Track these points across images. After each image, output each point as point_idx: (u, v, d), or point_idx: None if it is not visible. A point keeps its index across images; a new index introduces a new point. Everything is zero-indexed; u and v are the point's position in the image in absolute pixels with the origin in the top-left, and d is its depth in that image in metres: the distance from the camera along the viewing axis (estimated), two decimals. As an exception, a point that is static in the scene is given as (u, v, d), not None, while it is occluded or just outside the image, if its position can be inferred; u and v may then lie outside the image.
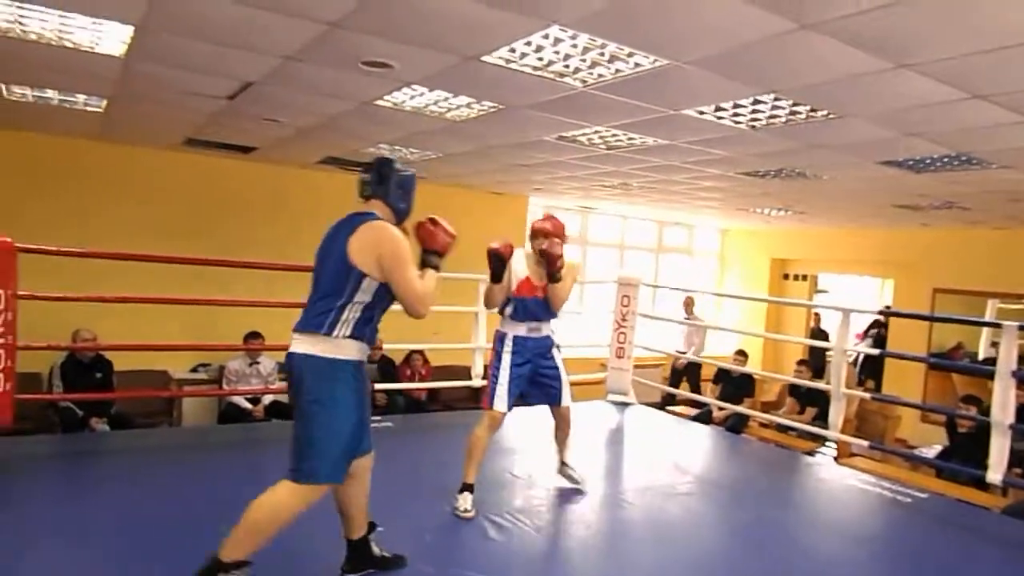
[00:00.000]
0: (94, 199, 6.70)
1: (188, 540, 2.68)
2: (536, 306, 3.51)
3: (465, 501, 3.31)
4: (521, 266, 3.50)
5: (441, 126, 4.89)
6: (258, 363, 6.52)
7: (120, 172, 6.83)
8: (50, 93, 4.76)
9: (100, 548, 2.75)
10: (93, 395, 5.45)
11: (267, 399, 6.54)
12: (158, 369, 6.68)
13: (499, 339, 3.56)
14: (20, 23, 3.29)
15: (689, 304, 9.33)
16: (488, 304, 3.63)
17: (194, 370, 6.99)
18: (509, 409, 3.45)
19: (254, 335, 6.23)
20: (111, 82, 4.30)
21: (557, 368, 3.60)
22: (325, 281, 2.38)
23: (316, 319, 2.34)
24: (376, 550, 2.66)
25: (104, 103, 4.94)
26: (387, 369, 7.14)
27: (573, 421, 3.73)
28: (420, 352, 7.45)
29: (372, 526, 2.66)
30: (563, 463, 3.82)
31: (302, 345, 2.35)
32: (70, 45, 3.59)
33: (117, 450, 4.28)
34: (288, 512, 2.27)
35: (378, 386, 6.47)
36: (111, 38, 3.43)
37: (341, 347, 2.33)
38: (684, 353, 8.81)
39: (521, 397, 3.58)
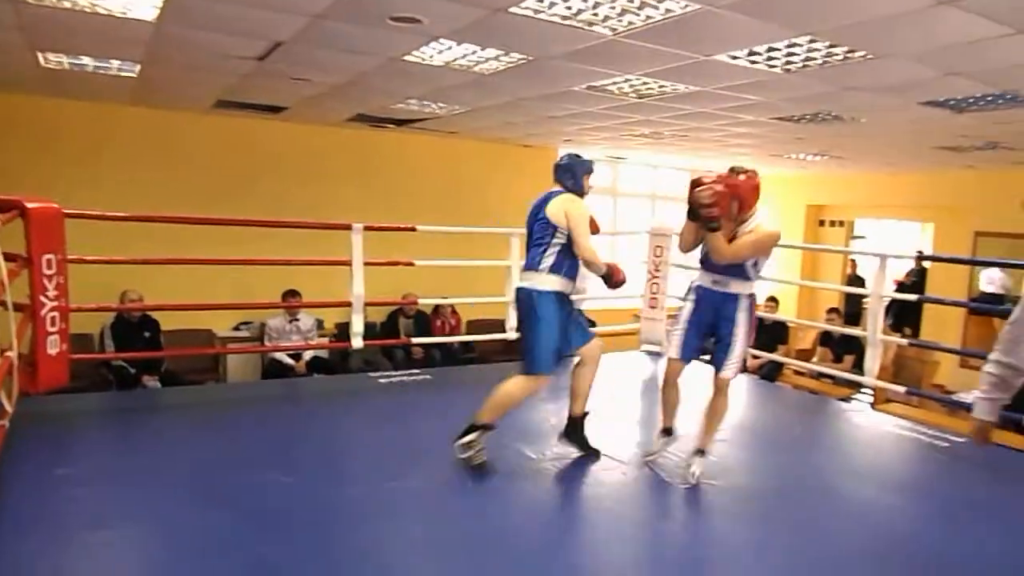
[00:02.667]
0: (130, 163, 6.83)
1: (243, 479, 2.89)
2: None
3: (654, 443, 3.56)
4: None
5: (470, 80, 4.87)
6: (297, 320, 6.69)
7: (155, 136, 6.94)
8: (85, 60, 4.84)
9: (160, 490, 2.90)
10: (143, 354, 5.65)
11: (308, 355, 6.72)
12: (202, 328, 6.87)
13: (689, 288, 3.48)
14: (55, -9, 3.34)
15: None
16: (680, 246, 3.49)
17: (236, 328, 7.18)
18: (687, 359, 3.38)
19: (292, 293, 6.37)
20: (144, 47, 4.35)
21: (732, 334, 3.29)
22: (535, 234, 3.31)
23: (531, 260, 3.30)
24: (586, 431, 3.52)
25: (137, 68, 5.00)
26: (422, 322, 7.25)
27: (720, 406, 3.38)
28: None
29: (586, 414, 3.50)
30: (697, 449, 3.41)
31: (523, 280, 3.30)
32: (104, 11, 3.64)
33: (171, 405, 4.46)
34: (519, 393, 3.23)
35: (415, 340, 6.62)
36: (143, 3, 3.47)
37: (545, 280, 3.23)
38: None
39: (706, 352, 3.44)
